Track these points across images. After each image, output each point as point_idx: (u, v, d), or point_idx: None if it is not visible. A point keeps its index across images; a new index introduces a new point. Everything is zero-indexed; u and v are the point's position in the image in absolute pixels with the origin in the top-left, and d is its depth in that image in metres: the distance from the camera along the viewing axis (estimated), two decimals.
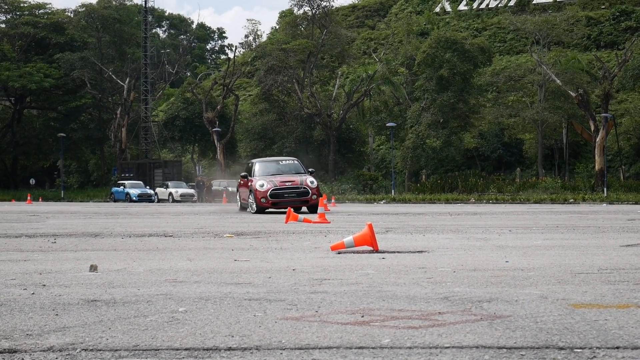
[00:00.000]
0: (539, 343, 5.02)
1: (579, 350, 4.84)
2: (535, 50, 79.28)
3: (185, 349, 4.89)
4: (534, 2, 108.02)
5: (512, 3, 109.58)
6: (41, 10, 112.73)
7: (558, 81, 71.90)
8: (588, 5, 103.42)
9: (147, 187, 80.00)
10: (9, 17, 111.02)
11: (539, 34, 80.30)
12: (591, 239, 15.77)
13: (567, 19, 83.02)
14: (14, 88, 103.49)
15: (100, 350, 4.89)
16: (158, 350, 4.88)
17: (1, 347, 4.96)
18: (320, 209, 26.92)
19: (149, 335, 5.30)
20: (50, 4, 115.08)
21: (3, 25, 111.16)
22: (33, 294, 7.47)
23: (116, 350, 4.88)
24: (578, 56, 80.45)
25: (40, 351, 4.86)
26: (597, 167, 67.28)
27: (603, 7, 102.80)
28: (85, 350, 4.88)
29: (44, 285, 8.20)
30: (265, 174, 35.76)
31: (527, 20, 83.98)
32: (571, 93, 69.58)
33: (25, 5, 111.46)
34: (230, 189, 71.32)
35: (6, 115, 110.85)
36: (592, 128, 68.30)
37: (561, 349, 4.87)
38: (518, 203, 56.66)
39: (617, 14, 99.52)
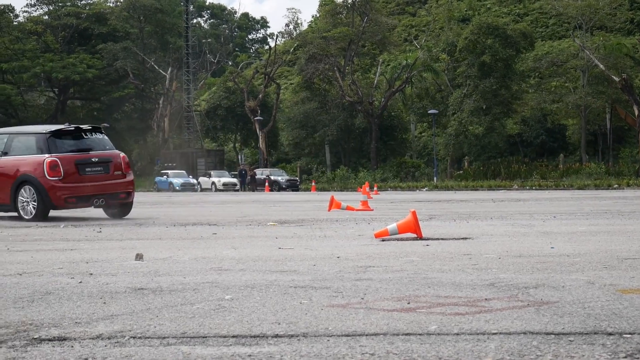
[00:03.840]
0: (587, 329, 5.00)
1: (627, 335, 4.81)
2: (577, 35, 78.69)
3: (233, 336, 4.91)
4: None
5: None
6: (83, 1, 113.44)
7: (601, 66, 71.38)
8: None
9: (190, 176, 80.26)
10: (51, 8, 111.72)
11: (581, 18, 79.65)
12: (637, 225, 15.66)
13: (610, 2, 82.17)
14: (58, 79, 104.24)
15: (148, 337, 4.91)
16: (206, 337, 4.90)
17: (51, 335, 5.00)
18: (363, 197, 26.80)
19: (196, 323, 5.33)
20: None
21: (46, 17, 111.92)
22: (80, 282, 7.52)
23: (164, 337, 4.91)
24: (621, 40, 79.79)
25: (89, 339, 4.89)
26: None
27: None
28: (134, 337, 4.91)
29: (91, 274, 8.25)
30: None
31: (570, 4, 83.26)
32: (614, 78, 69.06)
33: None
34: (272, 177, 71.49)
35: (50, 106, 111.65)
36: (636, 113, 67.81)
37: (610, 334, 4.85)
38: (562, 189, 56.39)
39: None
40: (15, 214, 21.08)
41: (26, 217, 20.59)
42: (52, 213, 21.40)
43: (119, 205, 22.24)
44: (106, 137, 22.54)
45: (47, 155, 20.64)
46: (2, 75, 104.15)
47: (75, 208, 22.03)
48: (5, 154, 21.47)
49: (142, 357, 4.42)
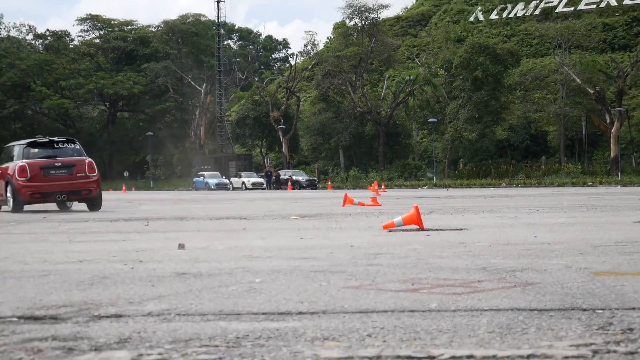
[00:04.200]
0: (566, 305, 5.04)
1: (600, 311, 4.85)
2: (557, 53, 78.49)
3: (263, 314, 4.96)
4: (556, 11, 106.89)
5: (537, 12, 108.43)
6: (129, 27, 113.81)
7: (578, 80, 71.19)
8: (604, 12, 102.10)
9: (223, 177, 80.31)
10: (102, 33, 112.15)
11: (560, 38, 79.44)
12: (608, 217, 15.66)
13: (586, 25, 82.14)
14: (109, 94, 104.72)
15: (190, 315, 4.96)
16: (239, 314, 4.94)
17: (109, 313, 5.06)
18: (372, 194, 26.82)
19: (231, 302, 5.38)
20: (137, 21, 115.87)
21: (98, 40, 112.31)
22: (132, 268, 7.58)
23: (204, 314, 4.96)
24: (595, 58, 79.59)
25: (141, 316, 4.95)
26: (612, 155, 66.65)
27: (617, 14, 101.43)
28: (179, 315, 4.97)
29: (141, 261, 8.31)
30: None
31: (551, 27, 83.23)
32: (589, 90, 68.90)
33: (116, 22, 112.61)
34: (294, 177, 71.47)
35: (102, 118, 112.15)
36: (608, 120, 67.65)
37: (584, 310, 4.88)
38: (543, 186, 56.23)
39: (630, 20, 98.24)
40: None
41: (8, 209, 23.50)
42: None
43: (85, 200, 24.06)
44: (78, 147, 24.45)
45: (19, 161, 23.15)
46: (61, 92, 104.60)
47: (41, 203, 24.09)
48: (5, 160, 24.47)
49: (186, 331, 4.48)
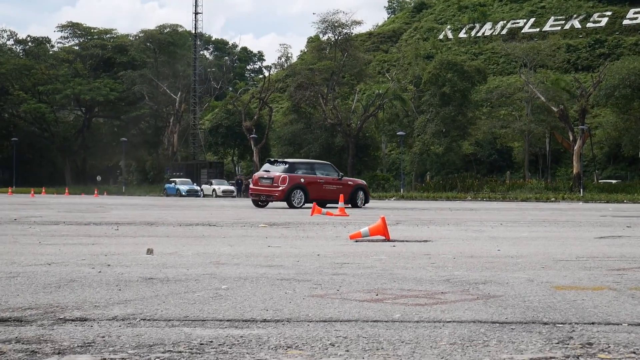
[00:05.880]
0: (527, 319, 5.01)
1: (560, 325, 4.82)
2: (523, 72, 79.07)
3: (228, 320, 4.90)
4: (522, 31, 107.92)
5: (504, 32, 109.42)
6: (108, 35, 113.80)
7: (542, 98, 71.67)
8: (568, 34, 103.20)
9: (195, 184, 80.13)
10: (81, 40, 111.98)
11: (526, 58, 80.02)
12: (570, 232, 15.71)
13: (551, 46, 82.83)
14: (85, 100, 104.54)
15: (156, 320, 4.90)
16: (204, 320, 4.88)
17: (74, 316, 4.98)
18: (341, 204, 26.78)
19: (197, 308, 5.31)
20: (116, 29, 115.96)
21: (77, 47, 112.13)
22: (100, 272, 7.49)
23: (169, 320, 4.89)
24: (559, 77, 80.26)
25: (106, 320, 4.87)
26: (574, 171, 67.02)
27: (581, 36, 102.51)
28: (144, 319, 4.90)
29: (109, 265, 8.22)
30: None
31: (517, 46, 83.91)
32: (553, 108, 69.35)
33: (96, 31, 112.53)
34: None
35: (78, 123, 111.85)
36: (571, 138, 68.10)
37: (545, 323, 4.85)
38: (508, 201, 56.49)
39: (592, 42, 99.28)
40: None
41: None
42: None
43: None
44: None
45: None
46: (38, 96, 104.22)
47: None
48: None
49: (150, 336, 4.41)
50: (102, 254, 9.58)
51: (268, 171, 33.99)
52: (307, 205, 32.88)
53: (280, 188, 32.57)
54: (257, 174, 34.65)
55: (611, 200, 53.41)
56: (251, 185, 34.96)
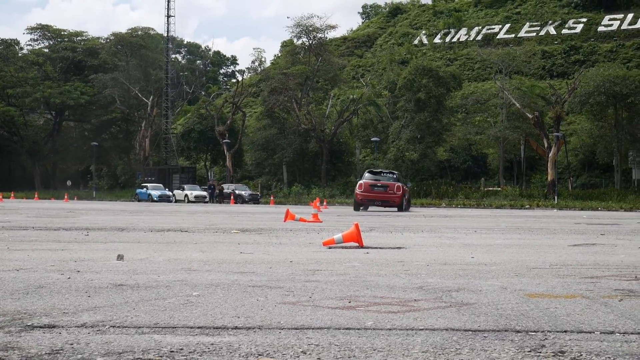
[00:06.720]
0: (499, 327, 5.03)
1: (532, 333, 4.85)
2: (498, 78, 79.37)
3: (198, 327, 4.89)
4: (498, 37, 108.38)
5: (479, 37, 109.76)
6: (79, 38, 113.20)
7: (517, 104, 71.97)
8: (543, 40, 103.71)
9: (167, 189, 79.88)
10: (51, 42, 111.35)
11: (501, 64, 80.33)
12: (544, 239, 15.78)
13: (526, 52, 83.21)
14: (55, 103, 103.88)
15: (125, 327, 4.88)
16: (175, 327, 4.87)
17: (42, 323, 4.95)
18: (314, 210, 26.80)
19: (167, 315, 5.30)
20: (87, 32, 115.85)
21: (46, 50, 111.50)
22: (69, 278, 7.46)
23: (139, 327, 4.88)
24: (535, 83, 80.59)
25: (75, 327, 4.85)
26: (549, 178, 67.39)
27: (556, 42, 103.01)
28: (113, 326, 4.88)
29: (78, 271, 8.18)
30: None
31: (492, 52, 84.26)
32: (528, 115, 69.69)
33: (66, 33, 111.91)
34: (237, 191, 71.30)
35: (48, 127, 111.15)
36: (546, 145, 68.46)
37: (518, 332, 4.88)
38: (482, 208, 56.69)
39: (568, 49, 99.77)
40: None
41: None
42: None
43: None
44: None
45: None
46: (7, 99, 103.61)
47: None
48: None
49: (119, 343, 4.40)
50: (72, 260, 9.53)
51: (378, 180, 40.44)
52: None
53: (397, 194, 39.43)
54: (366, 182, 40.46)
55: (585, 208, 53.74)
56: (358, 191, 40.39)
